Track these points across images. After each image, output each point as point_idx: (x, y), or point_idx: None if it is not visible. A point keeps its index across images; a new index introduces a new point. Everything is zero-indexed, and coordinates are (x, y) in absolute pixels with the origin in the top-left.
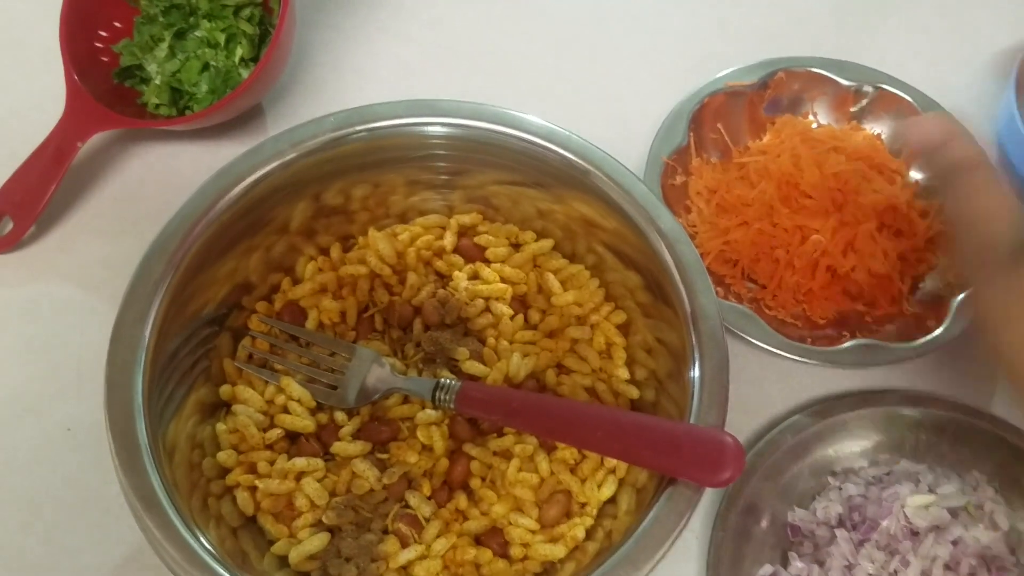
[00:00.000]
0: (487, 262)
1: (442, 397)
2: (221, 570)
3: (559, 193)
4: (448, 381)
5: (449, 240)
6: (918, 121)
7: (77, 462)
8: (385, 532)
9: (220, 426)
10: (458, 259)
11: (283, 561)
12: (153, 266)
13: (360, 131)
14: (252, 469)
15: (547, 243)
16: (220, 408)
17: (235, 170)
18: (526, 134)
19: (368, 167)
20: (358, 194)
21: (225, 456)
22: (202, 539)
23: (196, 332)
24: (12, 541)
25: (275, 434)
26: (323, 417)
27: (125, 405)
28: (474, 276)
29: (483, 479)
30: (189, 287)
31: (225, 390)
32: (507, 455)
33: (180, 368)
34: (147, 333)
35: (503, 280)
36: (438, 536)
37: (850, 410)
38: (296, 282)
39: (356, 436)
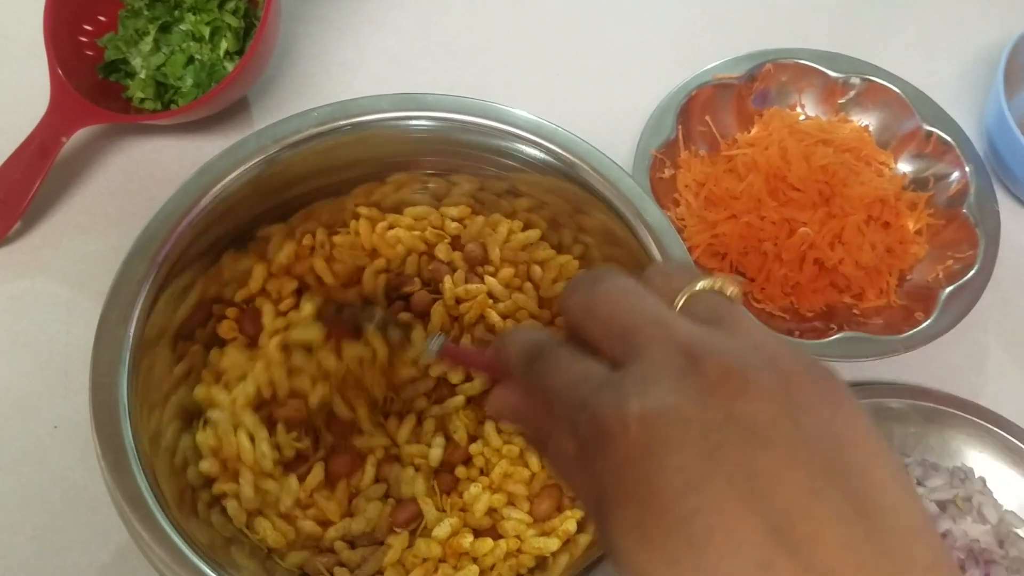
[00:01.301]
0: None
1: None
2: (210, 571)
3: (547, 186)
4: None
5: (443, 250)
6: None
7: (64, 460)
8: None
9: (199, 436)
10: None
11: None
12: (136, 266)
13: (345, 126)
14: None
15: (534, 233)
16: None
17: (217, 167)
18: (512, 127)
19: (354, 162)
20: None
21: (208, 466)
22: (190, 539)
23: (181, 333)
24: (0, 540)
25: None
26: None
27: (111, 407)
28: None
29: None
30: (174, 287)
31: (200, 392)
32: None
33: (166, 369)
34: (131, 333)
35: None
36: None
37: None
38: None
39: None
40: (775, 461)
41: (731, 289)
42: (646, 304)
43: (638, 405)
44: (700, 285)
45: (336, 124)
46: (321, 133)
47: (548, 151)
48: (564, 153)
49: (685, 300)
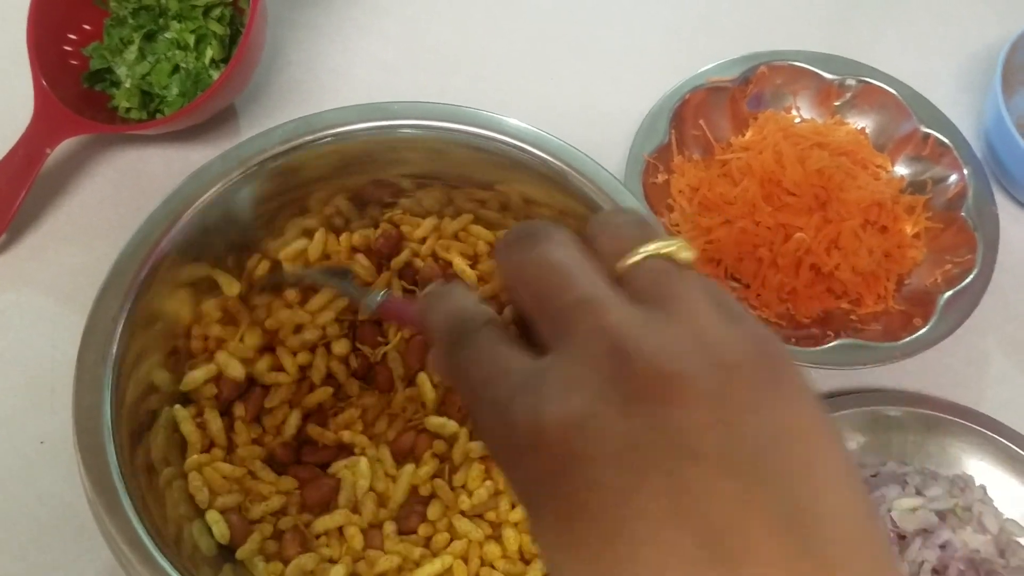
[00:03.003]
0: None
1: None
2: None
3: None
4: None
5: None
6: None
7: (50, 477)
8: None
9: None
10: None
11: None
12: (108, 303)
13: (310, 141)
14: None
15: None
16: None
17: (182, 194)
18: (479, 129)
19: (326, 176)
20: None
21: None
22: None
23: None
24: None
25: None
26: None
27: (98, 451)
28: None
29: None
30: (151, 319)
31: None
32: None
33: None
34: (109, 372)
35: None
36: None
37: (835, 411)
38: None
39: None
40: (704, 473)
41: (684, 254)
42: (580, 279)
43: (556, 413)
44: (649, 248)
45: (302, 140)
46: (287, 151)
47: (515, 148)
48: (533, 150)
49: (629, 265)
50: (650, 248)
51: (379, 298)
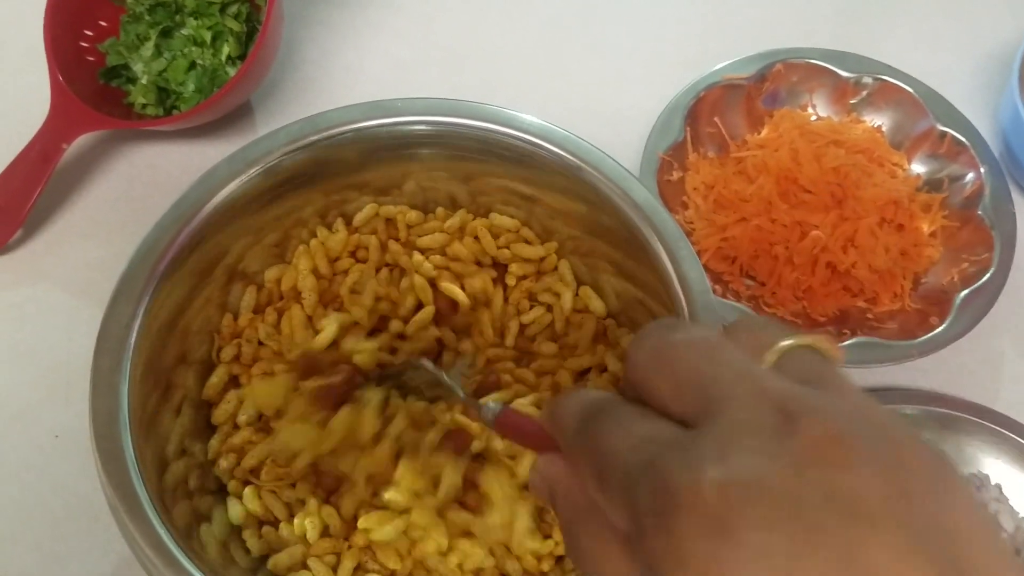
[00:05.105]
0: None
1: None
2: None
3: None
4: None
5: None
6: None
7: (65, 469)
8: None
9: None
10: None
11: None
12: (121, 310)
13: (316, 140)
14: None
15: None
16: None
17: (190, 199)
18: (485, 123)
19: (335, 175)
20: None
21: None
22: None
23: (176, 368)
24: (0, 551)
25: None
26: None
27: (118, 457)
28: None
29: None
30: (164, 325)
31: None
32: None
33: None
34: (125, 377)
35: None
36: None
37: None
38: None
39: None
40: (884, 550)
41: (829, 349)
42: (730, 355)
43: (717, 471)
44: (793, 341)
45: (307, 140)
46: (294, 150)
47: (524, 142)
48: (541, 142)
49: (776, 358)
50: (797, 340)
51: (497, 409)
